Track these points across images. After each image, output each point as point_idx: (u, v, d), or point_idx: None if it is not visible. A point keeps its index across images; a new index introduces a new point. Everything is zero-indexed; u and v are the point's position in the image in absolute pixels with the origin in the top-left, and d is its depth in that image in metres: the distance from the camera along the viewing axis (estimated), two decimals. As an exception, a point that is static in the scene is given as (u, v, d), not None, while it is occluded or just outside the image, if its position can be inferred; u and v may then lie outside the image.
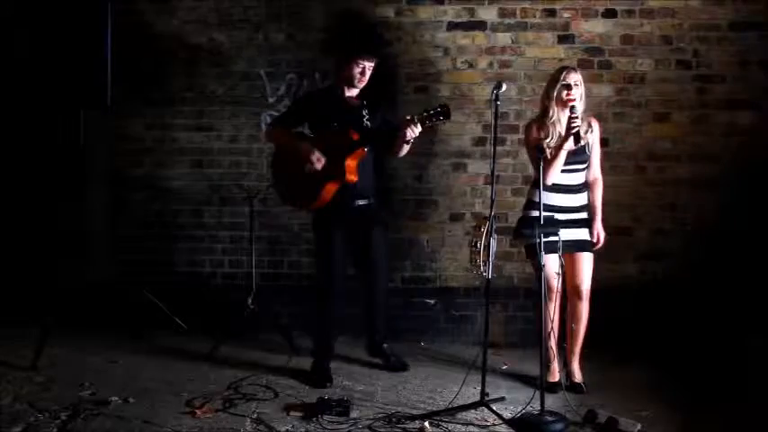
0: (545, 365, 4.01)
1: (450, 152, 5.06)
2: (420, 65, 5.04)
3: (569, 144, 3.86)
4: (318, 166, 4.09)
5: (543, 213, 3.73)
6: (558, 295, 3.97)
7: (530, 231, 3.79)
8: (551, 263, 3.85)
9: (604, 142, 4.94)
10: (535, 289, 4.08)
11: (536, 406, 3.61)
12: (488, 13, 4.99)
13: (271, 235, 5.15)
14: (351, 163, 4.05)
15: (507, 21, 4.99)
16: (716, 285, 4.77)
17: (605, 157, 4.93)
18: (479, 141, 5.03)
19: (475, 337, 4.91)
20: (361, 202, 4.19)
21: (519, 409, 3.74)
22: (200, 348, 4.67)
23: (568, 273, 4.02)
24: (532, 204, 4.02)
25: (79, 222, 4.86)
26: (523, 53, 4.97)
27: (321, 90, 4.46)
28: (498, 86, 3.84)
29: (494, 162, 3.78)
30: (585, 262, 4.08)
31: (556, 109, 3.97)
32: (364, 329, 4.48)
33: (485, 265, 3.73)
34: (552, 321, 3.94)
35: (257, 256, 4.91)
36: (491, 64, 5.00)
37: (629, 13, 4.92)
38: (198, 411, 3.70)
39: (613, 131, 4.96)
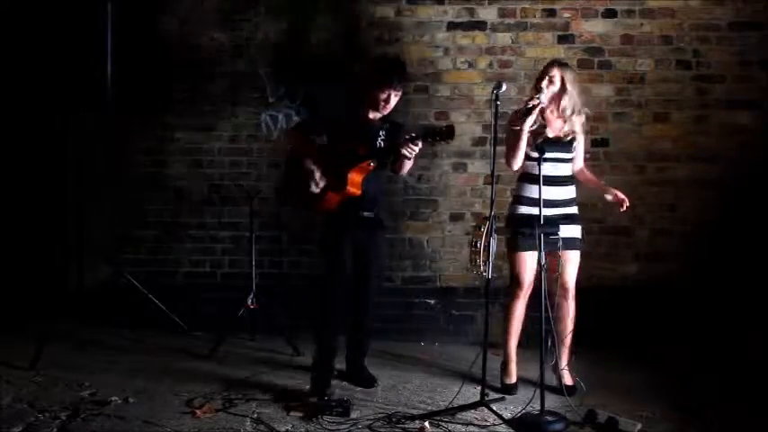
0: (506, 366, 4.14)
1: (450, 152, 5.06)
2: (420, 65, 5.04)
3: (532, 118, 3.85)
4: (315, 189, 4.11)
5: (531, 210, 3.84)
6: (527, 292, 4.04)
7: (530, 231, 3.78)
8: (530, 260, 3.93)
9: (605, 142, 4.96)
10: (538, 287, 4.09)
11: (536, 406, 3.61)
12: (488, 13, 5.00)
13: (271, 235, 5.15)
14: (354, 177, 4.04)
15: (507, 21, 4.99)
16: (716, 285, 4.77)
17: (605, 157, 4.98)
18: (479, 141, 5.04)
19: (475, 337, 4.91)
20: (366, 214, 4.19)
21: (519, 409, 3.74)
22: (201, 348, 4.67)
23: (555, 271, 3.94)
24: (520, 199, 4.00)
25: (79, 222, 4.86)
26: (523, 53, 4.98)
27: (347, 107, 4.45)
28: (498, 86, 3.83)
29: (494, 162, 3.77)
30: (574, 260, 4.01)
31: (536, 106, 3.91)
32: (346, 344, 4.30)
33: (485, 265, 3.73)
34: (516, 322, 4.07)
35: (257, 256, 4.92)
36: (491, 64, 5.01)
37: (629, 13, 4.92)
38: (198, 411, 3.70)
39: (613, 131, 4.96)
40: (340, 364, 4.30)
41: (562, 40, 4.96)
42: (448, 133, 3.87)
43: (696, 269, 4.84)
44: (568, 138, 3.99)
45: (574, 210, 4.04)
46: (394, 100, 4.10)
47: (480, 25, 5.01)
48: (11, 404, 3.79)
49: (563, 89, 3.95)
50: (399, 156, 4.03)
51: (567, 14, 4.96)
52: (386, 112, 4.13)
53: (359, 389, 4.11)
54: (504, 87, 3.85)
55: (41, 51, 4.55)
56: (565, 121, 4.01)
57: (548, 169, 3.91)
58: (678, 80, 4.92)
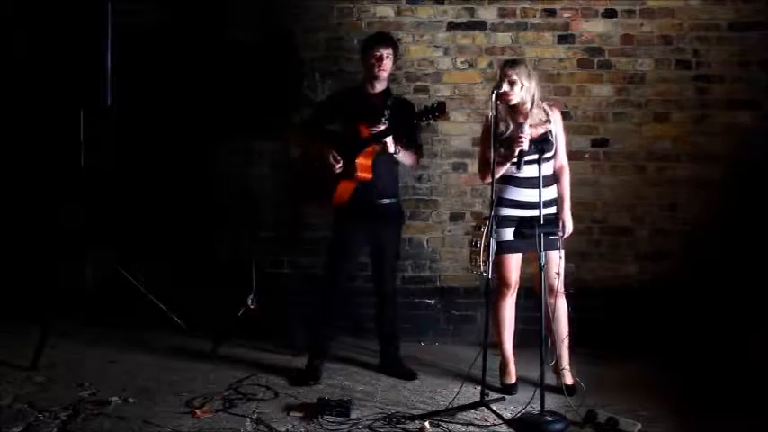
0: (505, 366, 4.16)
1: (450, 152, 5.06)
2: (420, 65, 5.04)
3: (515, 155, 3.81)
4: (337, 166, 4.09)
5: (511, 212, 3.91)
6: (514, 291, 4.11)
7: (530, 231, 3.78)
8: (513, 261, 3.99)
9: (605, 142, 4.96)
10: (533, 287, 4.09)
11: (536, 406, 3.61)
12: (488, 13, 4.99)
13: (271, 235, 5.15)
14: (363, 161, 4.03)
15: (507, 21, 4.99)
16: (716, 285, 4.77)
17: (605, 157, 4.97)
18: (479, 141, 5.03)
19: (475, 337, 4.91)
20: (384, 202, 4.20)
21: (519, 409, 3.74)
22: (201, 348, 4.67)
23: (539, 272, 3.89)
24: (501, 201, 3.93)
25: (79, 222, 4.86)
26: (523, 53, 4.97)
27: (347, 89, 4.49)
28: (498, 86, 3.83)
29: (494, 162, 3.77)
30: (555, 260, 3.92)
31: (500, 104, 3.83)
32: (377, 335, 4.49)
33: (485, 264, 3.73)
34: (508, 321, 4.12)
35: (257, 256, 4.91)
36: (491, 64, 5.00)
37: (629, 13, 4.92)
38: (198, 411, 3.70)
39: (613, 131, 4.95)
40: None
41: (562, 40, 4.96)
42: (440, 109, 3.88)
43: (696, 269, 4.83)
44: (540, 134, 3.90)
45: (552, 210, 3.97)
46: (387, 61, 4.16)
47: (480, 25, 5.00)
48: (11, 404, 3.79)
49: (521, 86, 3.88)
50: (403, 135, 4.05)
51: (566, 14, 4.96)
52: (383, 73, 4.18)
53: (359, 388, 4.11)
54: (504, 87, 3.85)
55: (41, 51, 4.55)
56: (526, 117, 3.91)
57: (530, 171, 3.87)
58: (678, 80, 4.92)
